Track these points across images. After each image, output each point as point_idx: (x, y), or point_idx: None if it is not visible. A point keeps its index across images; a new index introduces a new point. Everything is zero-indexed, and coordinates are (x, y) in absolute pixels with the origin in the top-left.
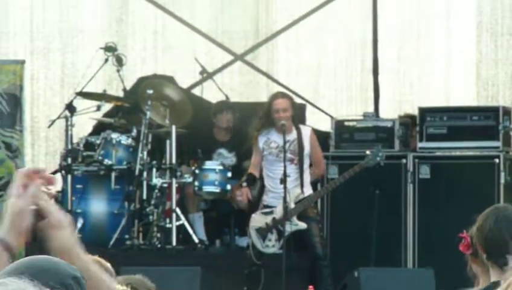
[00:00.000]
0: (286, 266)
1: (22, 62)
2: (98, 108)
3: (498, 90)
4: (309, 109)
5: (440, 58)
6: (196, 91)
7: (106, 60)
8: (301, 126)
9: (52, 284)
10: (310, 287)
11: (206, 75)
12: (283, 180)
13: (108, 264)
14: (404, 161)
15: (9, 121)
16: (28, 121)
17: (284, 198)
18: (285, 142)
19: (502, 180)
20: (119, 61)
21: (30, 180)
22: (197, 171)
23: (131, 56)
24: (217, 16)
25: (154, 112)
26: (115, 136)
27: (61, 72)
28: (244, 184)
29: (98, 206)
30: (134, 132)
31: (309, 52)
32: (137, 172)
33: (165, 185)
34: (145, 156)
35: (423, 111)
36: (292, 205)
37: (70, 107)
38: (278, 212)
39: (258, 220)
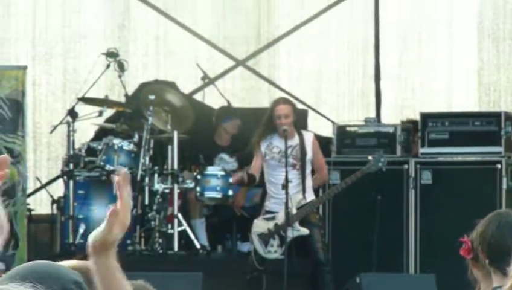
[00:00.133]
0: (288, 271)
1: (24, 68)
2: (100, 114)
3: (500, 96)
4: (311, 115)
5: (442, 63)
6: (198, 97)
7: (108, 66)
8: (303, 132)
9: (54, 289)
10: None
11: (208, 81)
12: (285, 186)
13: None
14: (406, 166)
15: (12, 126)
16: (30, 126)
17: (286, 204)
18: (286, 148)
19: (504, 186)
20: (121, 67)
21: None
22: (198, 176)
23: (133, 62)
24: (219, 21)
25: (156, 118)
26: (116, 141)
27: (63, 77)
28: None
29: (100, 211)
30: (136, 138)
31: (311, 57)
32: (139, 178)
33: (167, 190)
34: (147, 162)
35: (425, 116)
36: (294, 211)
37: (72, 113)
38: (280, 217)
39: (260, 225)
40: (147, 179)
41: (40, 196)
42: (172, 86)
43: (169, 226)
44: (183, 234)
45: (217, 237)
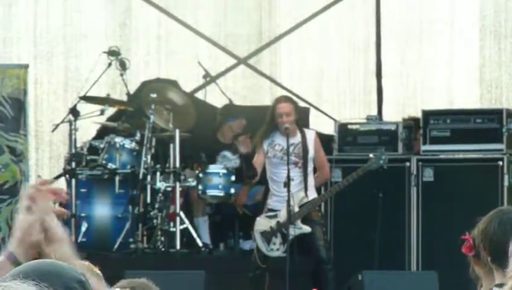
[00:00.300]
0: (290, 269)
1: (26, 66)
2: (102, 112)
3: (501, 93)
4: (312, 113)
5: (443, 60)
6: (199, 95)
7: (110, 64)
8: (305, 130)
9: (57, 288)
10: None
11: (210, 79)
12: (287, 184)
13: (96, 269)
14: (407, 164)
15: (14, 125)
16: (32, 125)
17: (288, 201)
18: (288, 146)
19: (506, 183)
20: (123, 66)
21: (38, 193)
22: (200, 175)
23: (135, 60)
24: (220, 20)
25: (158, 116)
26: (118, 140)
27: (64, 76)
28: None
29: (102, 210)
30: (138, 136)
31: (312, 55)
32: (141, 176)
33: (169, 188)
34: (148, 160)
35: (426, 114)
36: (296, 209)
37: (74, 112)
38: (282, 215)
39: (262, 223)
40: (149, 178)
41: None
42: (174, 84)
43: (172, 224)
44: (185, 232)
45: (219, 235)
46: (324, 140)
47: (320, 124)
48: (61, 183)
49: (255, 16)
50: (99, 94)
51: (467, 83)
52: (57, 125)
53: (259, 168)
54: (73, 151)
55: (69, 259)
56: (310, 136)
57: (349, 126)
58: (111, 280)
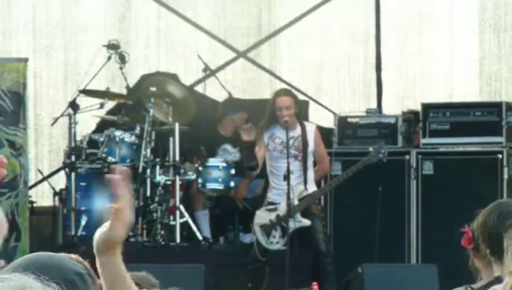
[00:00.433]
0: (290, 262)
1: (25, 60)
2: (101, 106)
3: (501, 86)
4: (312, 106)
5: (443, 53)
6: (199, 88)
7: (109, 58)
8: (305, 123)
9: (57, 280)
10: (314, 283)
11: (209, 72)
12: (287, 177)
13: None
14: (407, 157)
15: (13, 119)
16: (31, 119)
17: (288, 195)
18: (288, 139)
19: (506, 176)
20: (122, 59)
21: None
22: (200, 168)
23: (134, 53)
24: (220, 13)
25: (158, 110)
26: (118, 133)
27: (64, 69)
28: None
29: (102, 203)
30: (137, 130)
31: (311, 48)
32: (140, 169)
33: (169, 182)
34: (148, 154)
35: (426, 107)
36: (296, 202)
37: (74, 105)
38: (282, 209)
39: (262, 216)
40: (148, 171)
41: (42, 188)
42: (173, 77)
43: (171, 217)
44: (185, 226)
45: (220, 228)
46: (324, 133)
47: (320, 118)
48: (61, 177)
49: (254, 9)
50: (99, 87)
51: (467, 75)
52: (57, 119)
53: (261, 160)
54: (72, 144)
55: None
56: (310, 129)
57: (349, 119)
58: None
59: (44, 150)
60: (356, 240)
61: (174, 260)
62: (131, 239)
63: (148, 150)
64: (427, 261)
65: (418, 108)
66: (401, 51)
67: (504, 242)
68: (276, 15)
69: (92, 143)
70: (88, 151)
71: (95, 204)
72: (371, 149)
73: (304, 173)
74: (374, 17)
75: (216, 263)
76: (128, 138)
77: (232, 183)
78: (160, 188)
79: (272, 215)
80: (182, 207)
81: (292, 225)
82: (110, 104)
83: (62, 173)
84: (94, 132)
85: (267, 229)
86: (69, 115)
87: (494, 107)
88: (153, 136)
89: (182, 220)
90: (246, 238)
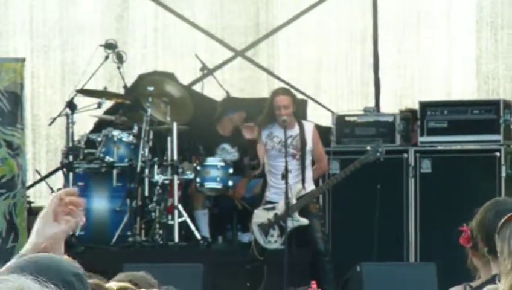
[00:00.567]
0: (288, 261)
1: (22, 60)
2: (99, 105)
3: (498, 84)
4: (310, 105)
5: (440, 52)
6: (197, 88)
7: (106, 57)
8: (304, 122)
9: (55, 281)
10: (313, 282)
11: (207, 72)
12: (285, 176)
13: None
14: (405, 155)
15: (10, 119)
16: (28, 119)
17: (286, 193)
18: (286, 138)
19: (503, 174)
20: (120, 59)
21: (62, 204)
22: (198, 167)
23: (132, 53)
24: (217, 12)
25: (155, 109)
26: (116, 133)
27: (61, 69)
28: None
29: (100, 203)
30: (135, 129)
31: (309, 47)
32: (138, 169)
33: (167, 181)
34: (146, 153)
35: (424, 105)
36: (294, 201)
37: (71, 105)
38: (280, 207)
39: (260, 215)
40: (146, 171)
41: (40, 188)
42: (171, 77)
43: (170, 217)
44: (183, 225)
45: (218, 227)
46: (322, 132)
47: (318, 116)
48: (59, 177)
49: (252, 8)
50: (96, 87)
51: (464, 74)
52: (54, 119)
53: (262, 159)
54: (70, 144)
55: None
56: (308, 128)
57: (347, 118)
58: (109, 274)
59: (42, 150)
60: (354, 239)
61: (173, 259)
62: (130, 239)
63: (146, 150)
64: (426, 260)
65: (416, 106)
66: (398, 50)
67: (497, 242)
68: (273, 14)
69: (90, 143)
70: (86, 151)
71: (92, 204)
72: (368, 148)
73: (302, 171)
74: (371, 16)
75: (214, 263)
76: (126, 137)
77: (230, 183)
78: (158, 188)
79: (270, 215)
80: (180, 206)
81: (290, 224)
82: (107, 104)
83: (60, 173)
84: (92, 131)
85: (265, 228)
86: (67, 115)
87: (491, 105)
88: (151, 136)
89: (180, 220)
90: (245, 238)
